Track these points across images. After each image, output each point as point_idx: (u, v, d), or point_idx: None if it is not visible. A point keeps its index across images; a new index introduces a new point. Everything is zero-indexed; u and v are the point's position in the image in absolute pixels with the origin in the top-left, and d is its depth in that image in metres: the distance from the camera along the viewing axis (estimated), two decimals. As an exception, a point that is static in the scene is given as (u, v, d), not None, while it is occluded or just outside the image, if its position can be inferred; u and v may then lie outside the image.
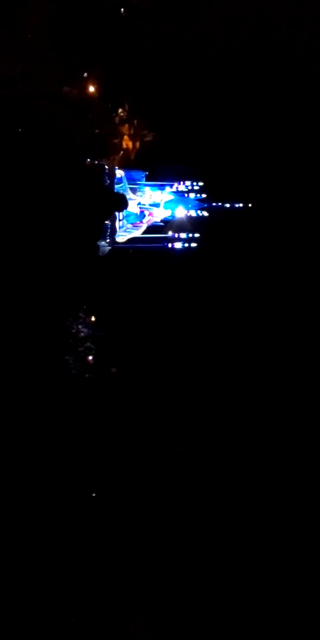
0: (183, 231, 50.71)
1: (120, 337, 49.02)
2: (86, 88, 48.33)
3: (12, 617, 39.84)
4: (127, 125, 50.61)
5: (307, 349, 53.23)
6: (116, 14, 50.02)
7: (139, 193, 51.37)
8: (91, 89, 48.46)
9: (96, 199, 47.77)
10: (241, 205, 51.33)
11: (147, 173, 51.68)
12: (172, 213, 51.70)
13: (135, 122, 50.70)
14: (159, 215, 51.67)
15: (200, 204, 51.50)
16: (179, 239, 50.60)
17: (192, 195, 51.68)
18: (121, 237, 50.99)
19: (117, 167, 50.00)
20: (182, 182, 51.83)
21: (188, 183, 51.77)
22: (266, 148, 54.87)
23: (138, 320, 50.15)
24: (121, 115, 50.43)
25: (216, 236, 51.68)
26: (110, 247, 50.03)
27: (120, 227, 50.60)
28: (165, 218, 51.82)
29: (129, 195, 50.49)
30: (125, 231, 51.07)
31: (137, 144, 51.15)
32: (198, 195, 51.65)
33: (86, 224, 46.71)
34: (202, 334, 51.94)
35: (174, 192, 51.99)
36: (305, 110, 55.68)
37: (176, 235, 50.73)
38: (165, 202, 51.78)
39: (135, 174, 51.47)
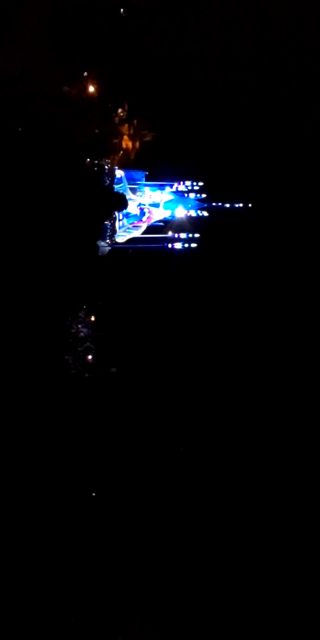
0: (183, 231, 50.69)
1: (120, 337, 49.01)
2: (86, 88, 48.34)
3: (12, 616, 39.86)
4: (126, 125, 50.59)
5: (307, 348, 53.14)
6: (116, 14, 50.00)
7: (138, 193, 51.33)
8: (91, 88, 48.47)
9: (96, 198, 47.79)
10: (241, 205, 51.30)
11: (147, 173, 51.65)
12: (172, 213, 51.66)
13: (135, 122, 50.67)
14: (158, 215, 51.63)
15: (200, 204, 51.45)
16: (178, 239, 50.57)
17: (192, 195, 51.63)
18: (121, 237, 50.97)
19: (117, 167, 50.00)
20: (182, 182, 51.79)
21: (188, 183, 51.71)
22: (266, 148, 54.79)
23: (138, 320, 50.11)
24: (121, 115, 50.41)
25: (216, 236, 51.62)
26: (110, 247, 50.02)
27: (120, 227, 50.58)
28: (165, 218, 51.78)
29: (129, 195, 50.47)
30: (125, 231, 51.04)
31: (137, 144, 51.11)
32: (198, 195, 51.60)
33: (86, 223, 46.74)
34: (202, 334, 51.87)
35: (173, 192, 51.95)
36: (306, 110, 55.62)
37: (176, 235, 50.71)
38: (165, 202, 51.73)
39: (135, 174, 51.42)
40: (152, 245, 50.92)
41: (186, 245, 50.27)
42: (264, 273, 54.20)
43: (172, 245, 50.52)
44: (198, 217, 51.33)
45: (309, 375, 52.39)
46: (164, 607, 43.82)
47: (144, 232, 51.66)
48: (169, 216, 51.71)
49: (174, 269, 50.58)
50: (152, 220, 51.55)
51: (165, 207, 51.74)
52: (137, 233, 51.50)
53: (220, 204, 51.32)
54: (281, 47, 54.45)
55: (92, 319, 47.98)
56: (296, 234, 54.68)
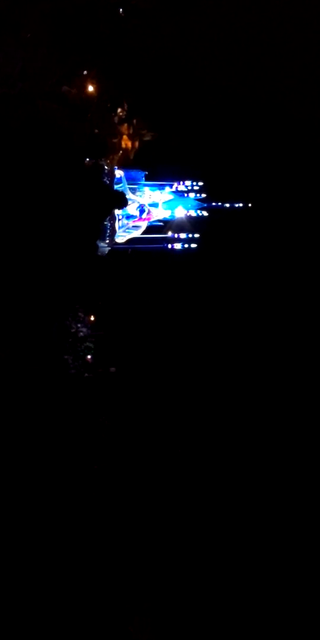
0: (183, 231, 50.67)
1: (119, 337, 49.01)
2: (85, 87, 48.35)
3: (12, 616, 39.82)
4: (126, 125, 50.60)
5: (306, 348, 53.16)
6: (115, 14, 50.03)
7: (138, 193, 51.32)
8: (90, 88, 48.49)
9: (95, 198, 47.77)
10: (241, 205, 51.31)
11: (147, 173, 51.65)
12: (172, 213, 51.66)
13: (135, 121, 50.69)
14: (158, 215, 51.61)
15: (200, 203, 51.46)
16: (178, 239, 50.55)
17: (191, 195, 51.64)
18: (121, 238, 50.97)
19: (116, 167, 49.99)
20: (181, 182, 51.79)
21: (188, 183, 51.73)
22: (266, 148, 54.82)
23: (137, 320, 50.12)
24: (120, 115, 50.42)
25: (216, 236, 51.63)
26: (109, 247, 50.01)
27: (119, 227, 50.57)
28: (164, 218, 51.77)
29: (129, 195, 50.46)
30: (124, 231, 51.03)
31: (137, 144, 51.11)
32: (198, 195, 51.61)
33: (85, 223, 46.72)
34: (201, 334, 51.88)
35: (173, 192, 51.95)
36: (306, 110, 55.65)
37: (176, 235, 50.69)
38: (165, 202, 51.73)
39: (135, 173, 51.42)
40: (152, 245, 50.90)
41: (186, 245, 50.24)
42: (263, 273, 54.24)
43: (172, 246, 50.49)
44: (198, 217, 51.31)
45: (308, 374, 52.41)
46: (164, 607, 43.76)
47: (143, 232, 51.66)
48: (169, 216, 51.72)
49: (173, 269, 50.57)
50: (152, 219, 51.53)
51: (165, 207, 51.73)
52: (137, 233, 51.49)
53: (220, 204, 51.32)
54: (281, 47, 54.49)
55: (92, 318, 47.98)
56: (296, 233, 54.72)
